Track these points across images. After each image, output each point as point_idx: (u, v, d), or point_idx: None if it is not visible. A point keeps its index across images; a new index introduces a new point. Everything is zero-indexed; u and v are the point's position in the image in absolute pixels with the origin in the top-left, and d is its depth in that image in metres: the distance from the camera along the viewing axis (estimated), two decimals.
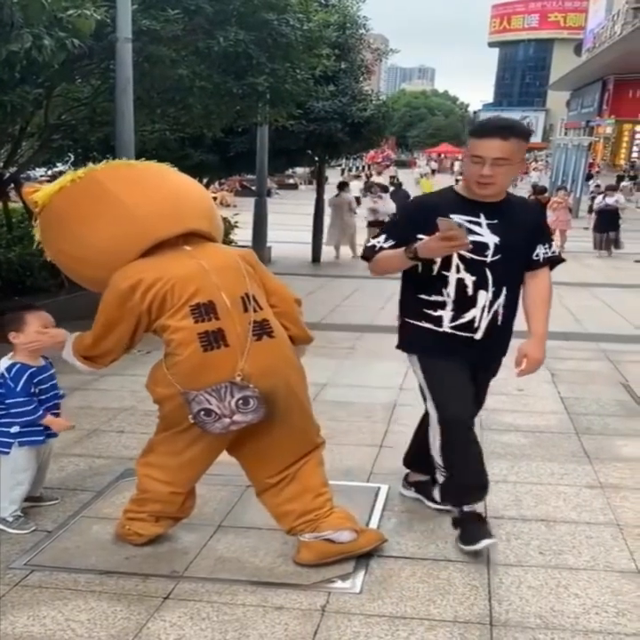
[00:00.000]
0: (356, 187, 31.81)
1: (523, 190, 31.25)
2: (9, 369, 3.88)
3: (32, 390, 3.88)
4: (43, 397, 3.94)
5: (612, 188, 21.01)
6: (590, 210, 23.00)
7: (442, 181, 33.31)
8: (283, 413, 3.54)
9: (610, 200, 19.45)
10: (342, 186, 18.53)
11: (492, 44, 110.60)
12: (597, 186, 30.73)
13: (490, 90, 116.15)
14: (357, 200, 23.29)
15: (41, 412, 3.89)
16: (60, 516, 4.13)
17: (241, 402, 3.34)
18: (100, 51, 7.67)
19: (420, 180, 32.80)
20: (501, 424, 5.78)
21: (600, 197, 20.38)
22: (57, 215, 3.64)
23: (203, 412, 3.34)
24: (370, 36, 18.32)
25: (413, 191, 27.33)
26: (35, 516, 4.09)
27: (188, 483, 3.77)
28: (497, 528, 4.05)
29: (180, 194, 3.70)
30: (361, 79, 16.88)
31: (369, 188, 26.55)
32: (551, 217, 19.45)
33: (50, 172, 22.67)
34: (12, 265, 8.84)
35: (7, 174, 10.00)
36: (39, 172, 23.85)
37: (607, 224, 19.15)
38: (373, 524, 4.04)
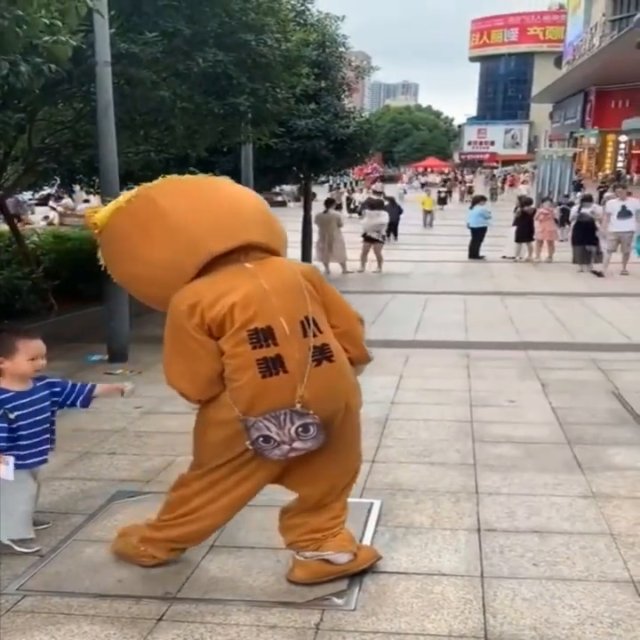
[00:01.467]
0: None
1: (510, 202, 31.44)
2: None
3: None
4: (23, 422, 3.86)
5: (588, 199, 19.97)
6: (561, 221, 22.43)
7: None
8: (336, 438, 3.48)
9: (585, 210, 18.22)
10: (329, 203, 18.58)
11: (472, 59, 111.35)
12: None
13: (473, 103, 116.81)
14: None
15: None
16: (52, 539, 4.10)
17: (301, 429, 3.29)
18: (79, 74, 7.69)
19: (422, 197, 32.74)
20: (493, 436, 5.78)
21: (575, 208, 19.41)
22: (115, 235, 3.62)
23: (261, 439, 3.29)
24: (351, 54, 18.42)
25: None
26: (27, 540, 4.05)
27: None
28: (490, 540, 4.05)
29: (234, 205, 3.62)
30: (343, 97, 16.98)
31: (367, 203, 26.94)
32: (538, 228, 19.57)
33: (37, 196, 22.73)
34: (1, 288, 8.82)
35: None
36: (27, 195, 23.83)
37: (583, 236, 17.84)
38: (367, 540, 4.03)
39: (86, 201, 27.90)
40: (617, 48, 38.68)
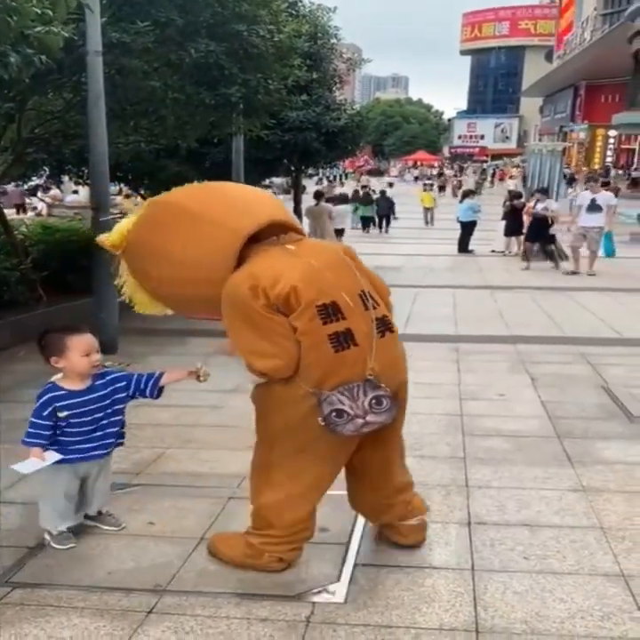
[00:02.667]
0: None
1: (500, 196, 31.45)
2: (44, 387, 3.86)
3: (45, 414, 3.79)
4: (74, 420, 3.83)
5: (543, 191, 18.80)
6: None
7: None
8: (399, 412, 3.54)
9: (539, 206, 17.10)
10: (319, 195, 18.58)
11: (463, 52, 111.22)
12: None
13: (463, 97, 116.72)
14: None
15: (34, 440, 3.82)
16: (42, 531, 4.07)
17: (374, 401, 3.29)
18: (70, 64, 7.63)
19: (422, 194, 31.11)
20: (483, 429, 5.79)
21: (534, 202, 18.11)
22: (142, 248, 3.61)
23: (334, 414, 3.26)
24: (342, 46, 18.43)
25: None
26: (18, 533, 4.04)
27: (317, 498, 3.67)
28: (480, 534, 4.06)
29: (250, 194, 3.76)
30: (334, 89, 16.98)
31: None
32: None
33: (26, 186, 22.62)
34: None
35: None
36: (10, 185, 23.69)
37: (535, 233, 16.86)
38: (357, 532, 4.03)
39: (75, 192, 27.86)
40: (608, 42, 38.72)
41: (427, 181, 46.83)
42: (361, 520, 4.15)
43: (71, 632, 3.18)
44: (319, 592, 3.48)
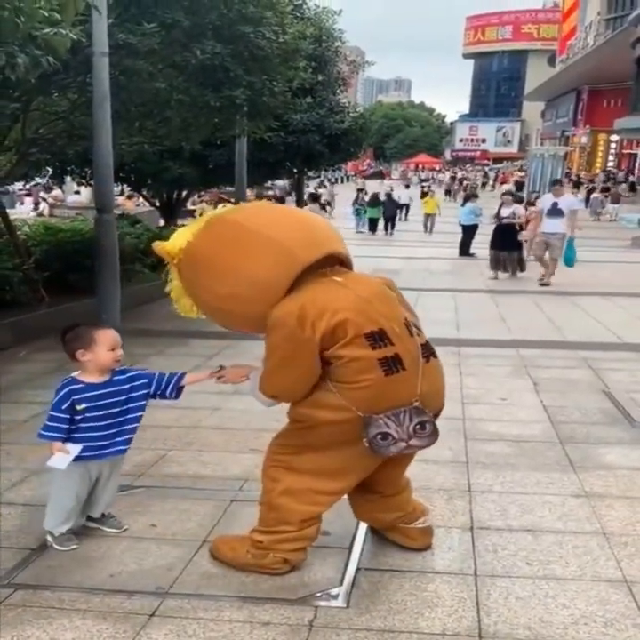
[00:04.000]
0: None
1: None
2: (62, 381, 3.89)
3: (64, 407, 3.81)
4: (90, 415, 3.84)
5: (509, 194, 17.40)
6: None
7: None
8: None
9: (505, 212, 15.64)
10: (315, 198, 18.60)
11: (466, 56, 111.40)
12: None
13: (466, 101, 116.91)
14: None
15: (51, 433, 3.83)
16: (44, 533, 4.07)
17: (418, 426, 3.40)
18: (76, 65, 7.64)
19: (425, 199, 29.45)
20: (485, 433, 5.78)
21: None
22: (201, 260, 3.60)
23: (380, 436, 3.35)
24: (346, 49, 18.43)
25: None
26: (18, 534, 4.04)
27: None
28: (483, 539, 4.05)
29: (311, 221, 3.75)
30: (338, 91, 17.00)
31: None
32: (530, 226, 19.01)
33: (28, 186, 22.64)
34: None
35: None
36: (17, 185, 23.73)
37: (501, 241, 15.51)
38: (360, 537, 4.02)
39: (77, 192, 27.89)
40: (611, 47, 38.78)
41: (424, 183, 46.69)
42: (363, 524, 4.14)
43: (73, 634, 3.17)
44: (322, 596, 3.47)
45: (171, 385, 4.02)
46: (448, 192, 46.92)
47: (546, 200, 15.00)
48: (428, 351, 3.56)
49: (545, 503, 4.53)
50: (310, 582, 3.58)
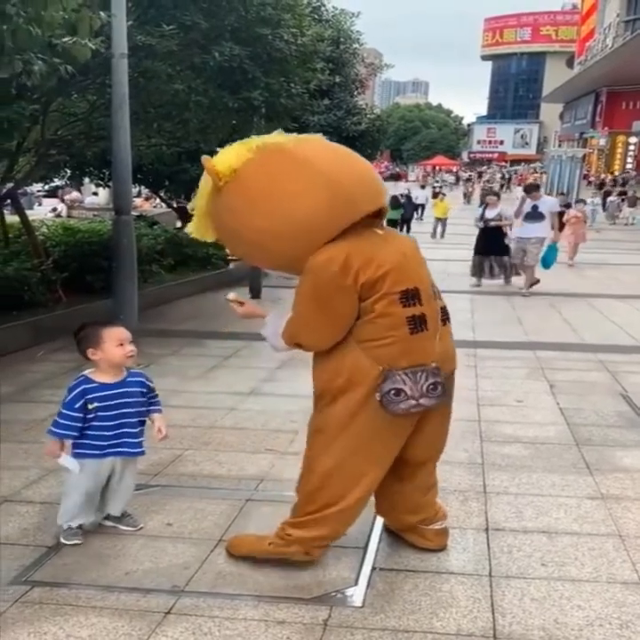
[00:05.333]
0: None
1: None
2: (75, 379, 3.93)
3: (77, 406, 3.85)
4: (101, 414, 3.88)
5: (494, 194, 15.76)
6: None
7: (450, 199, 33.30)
8: (447, 401, 3.76)
9: (490, 214, 14.28)
10: None
11: (485, 58, 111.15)
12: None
13: (483, 102, 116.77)
14: None
15: (62, 431, 3.87)
16: (60, 530, 4.10)
17: (431, 386, 3.46)
18: (95, 67, 7.70)
19: (435, 201, 28.51)
20: (501, 435, 5.77)
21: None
22: (250, 187, 3.43)
23: (393, 392, 3.39)
24: (363, 51, 18.44)
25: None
26: (36, 532, 4.07)
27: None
28: (498, 540, 4.05)
29: (368, 169, 3.68)
30: (355, 93, 17.00)
31: None
32: (568, 231, 18.29)
33: (47, 187, 22.78)
34: (10, 280, 8.83)
35: (4, 190, 10.01)
36: (36, 186, 23.86)
37: (487, 245, 14.27)
38: (375, 537, 4.03)
39: (95, 194, 28.05)
40: (630, 49, 38.58)
41: (435, 184, 46.35)
42: (379, 524, 4.15)
43: (90, 631, 3.19)
44: (336, 595, 3.48)
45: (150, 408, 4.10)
46: (466, 195, 46.45)
47: (525, 204, 13.72)
48: (444, 315, 3.64)
49: (560, 505, 4.52)
50: (325, 581, 3.59)
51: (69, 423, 3.86)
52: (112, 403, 3.90)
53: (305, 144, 3.56)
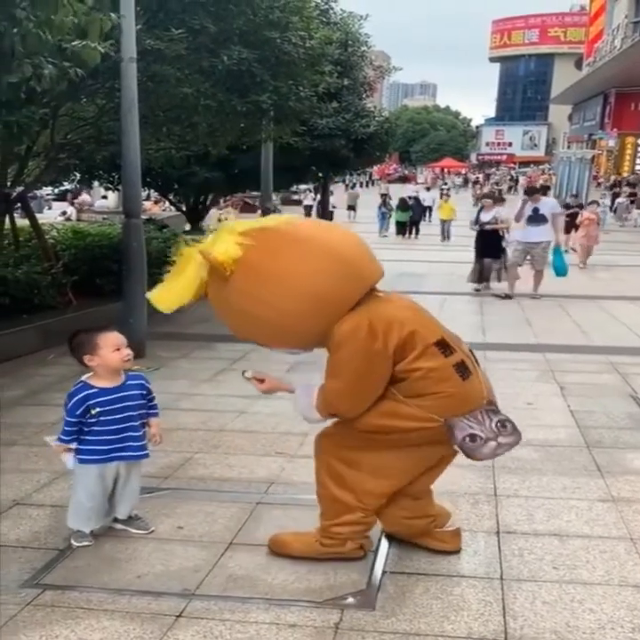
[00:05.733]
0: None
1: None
2: (75, 386, 3.94)
3: (79, 412, 3.87)
4: (104, 418, 3.90)
5: (489, 197, 15.29)
6: (567, 227, 19.55)
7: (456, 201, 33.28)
8: None
9: (485, 217, 13.94)
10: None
11: (493, 59, 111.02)
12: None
13: (492, 104, 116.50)
14: None
15: (69, 438, 3.91)
16: (71, 533, 4.11)
17: (499, 425, 3.50)
18: (104, 71, 7.71)
19: (440, 202, 28.47)
20: None
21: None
22: (261, 273, 3.43)
23: (468, 438, 3.44)
24: (371, 53, 18.43)
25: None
26: (47, 535, 4.08)
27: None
28: (509, 543, 4.04)
29: (362, 241, 3.75)
30: (364, 96, 16.99)
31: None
32: (581, 233, 18.14)
33: (56, 191, 22.85)
34: (20, 283, 8.85)
35: (14, 193, 10.04)
36: (46, 190, 23.93)
37: (483, 248, 13.92)
38: (385, 540, 4.02)
39: (104, 197, 28.11)
40: (639, 50, 38.44)
41: (443, 186, 46.17)
42: None
43: (101, 635, 3.20)
44: (347, 599, 3.48)
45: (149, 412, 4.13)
46: (475, 197, 46.24)
47: (525, 207, 13.31)
48: (474, 357, 3.70)
49: (572, 508, 4.51)
50: (336, 585, 3.59)
51: (73, 429, 3.90)
52: (114, 407, 3.92)
53: (305, 224, 3.76)
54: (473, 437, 3.44)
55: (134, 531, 4.13)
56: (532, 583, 3.64)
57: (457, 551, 3.92)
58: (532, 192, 14.21)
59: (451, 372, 3.45)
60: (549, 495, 4.71)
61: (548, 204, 13.77)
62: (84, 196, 28.28)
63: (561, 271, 13.96)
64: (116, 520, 4.15)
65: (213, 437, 5.72)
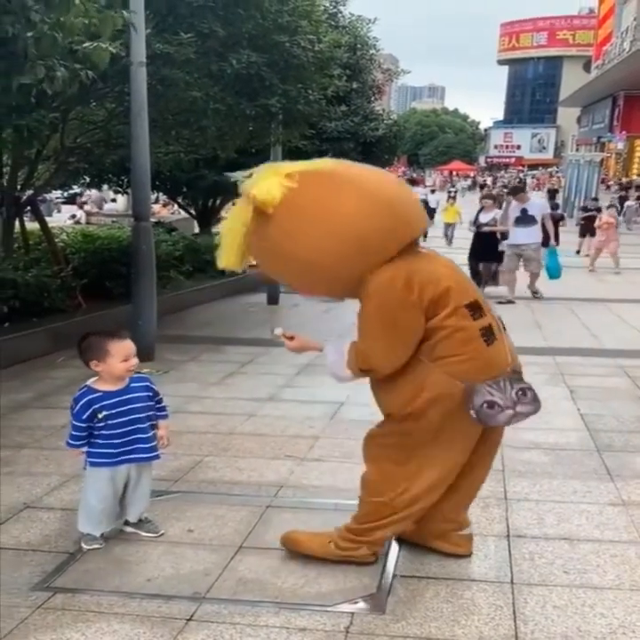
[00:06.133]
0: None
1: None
2: (79, 391, 3.95)
3: (85, 416, 3.88)
4: (111, 422, 3.90)
5: (490, 197, 14.66)
6: (582, 231, 20.62)
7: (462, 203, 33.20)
8: None
9: (484, 218, 13.56)
10: None
11: (501, 62, 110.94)
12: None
13: (500, 107, 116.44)
14: None
15: (79, 442, 3.94)
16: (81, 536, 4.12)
17: (520, 393, 3.50)
18: (114, 75, 7.73)
19: (446, 206, 27.69)
20: (522, 441, 5.73)
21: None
22: (307, 212, 3.41)
23: (486, 405, 3.40)
24: (380, 57, 18.42)
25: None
26: (57, 538, 4.09)
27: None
28: (519, 547, 4.03)
29: (410, 191, 3.75)
30: (372, 99, 16.99)
31: None
32: (600, 237, 17.90)
33: (66, 194, 22.92)
34: (30, 286, 8.88)
35: (24, 197, 10.07)
36: (56, 194, 23.98)
37: (481, 250, 13.54)
38: (395, 544, 4.01)
39: (113, 200, 28.18)
40: None
41: (451, 189, 46.04)
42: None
43: (112, 638, 3.20)
44: (358, 603, 3.47)
45: (158, 414, 4.14)
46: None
47: (512, 208, 13.17)
48: (501, 322, 3.67)
49: (582, 512, 4.50)
50: (346, 589, 3.58)
51: (82, 434, 3.91)
52: (120, 409, 3.92)
53: (354, 168, 3.64)
54: (491, 404, 3.39)
55: (144, 534, 4.13)
56: (542, 587, 3.63)
57: (468, 555, 3.92)
58: (516, 191, 14.02)
59: (476, 336, 3.42)
60: (560, 499, 4.69)
61: (537, 205, 13.54)
62: (95, 194, 28.40)
63: (554, 273, 13.82)
64: (126, 523, 4.15)
65: (223, 440, 5.73)
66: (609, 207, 20.70)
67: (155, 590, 3.58)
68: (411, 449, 3.61)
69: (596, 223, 18.58)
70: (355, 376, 3.57)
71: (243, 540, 4.07)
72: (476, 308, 3.46)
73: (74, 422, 3.90)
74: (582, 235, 21.14)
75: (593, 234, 18.99)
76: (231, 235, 3.61)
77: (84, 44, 5.79)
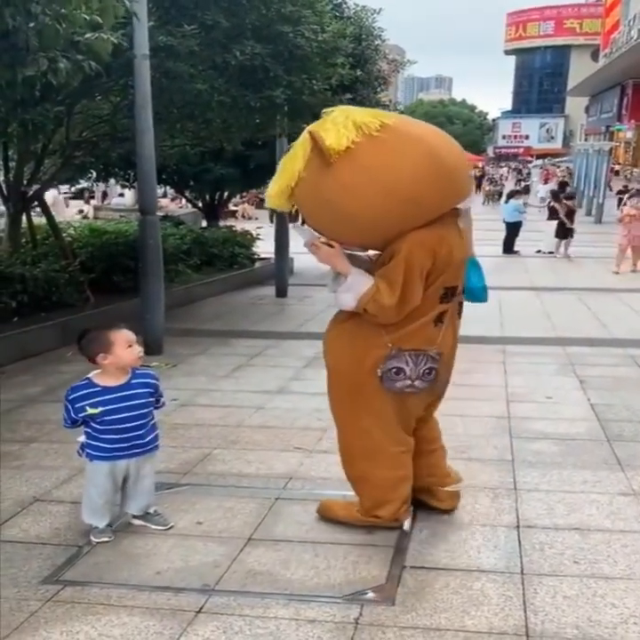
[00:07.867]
0: None
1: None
2: (80, 381, 3.97)
3: (77, 406, 3.88)
4: (109, 417, 3.89)
5: (514, 194, 15.39)
6: None
7: None
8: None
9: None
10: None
11: (508, 52, 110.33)
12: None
13: (508, 97, 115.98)
14: None
15: (73, 425, 3.97)
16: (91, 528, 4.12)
17: (427, 371, 3.71)
18: (118, 68, 7.71)
19: None
20: (531, 432, 5.72)
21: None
22: (367, 166, 3.44)
23: (394, 370, 3.62)
24: (386, 47, 18.31)
25: None
26: (66, 531, 4.09)
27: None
28: (529, 537, 4.01)
29: (465, 158, 3.85)
30: (378, 89, 16.88)
31: None
32: (623, 232, 16.39)
33: (73, 189, 22.96)
34: (38, 281, 8.89)
35: (31, 192, 10.07)
36: (63, 189, 24.00)
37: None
38: (405, 535, 4.00)
39: (121, 195, 28.21)
40: None
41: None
42: (408, 522, 4.12)
43: (121, 630, 3.20)
44: (367, 594, 3.46)
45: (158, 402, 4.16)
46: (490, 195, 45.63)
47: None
48: (460, 309, 3.91)
49: (592, 502, 4.47)
50: (356, 580, 3.57)
51: (74, 416, 3.92)
52: (117, 406, 3.90)
53: (414, 124, 3.71)
54: (398, 371, 3.62)
55: (153, 526, 4.13)
56: (552, 578, 3.61)
57: (451, 511, 4.16)
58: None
59: (430, 318, 3.67)
60: (570, 489, 4.67)
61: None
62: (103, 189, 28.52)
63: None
64: (135, 516, 4.15)
65: (232, 433, 5.72)
66: (631, 196, 18.48)
67: (164, 583, 3.58)
68: (366, 419, 3.90)
69: (618, 216, 17.73)
70: (355, 309, 3.67)
71: (252, 532, 4.07)
72: (450, 294, 3.70)
73: (67, 405, 3.91)
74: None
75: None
76: (286, 175, 3.65)
77: (86, 35, 5.77)
